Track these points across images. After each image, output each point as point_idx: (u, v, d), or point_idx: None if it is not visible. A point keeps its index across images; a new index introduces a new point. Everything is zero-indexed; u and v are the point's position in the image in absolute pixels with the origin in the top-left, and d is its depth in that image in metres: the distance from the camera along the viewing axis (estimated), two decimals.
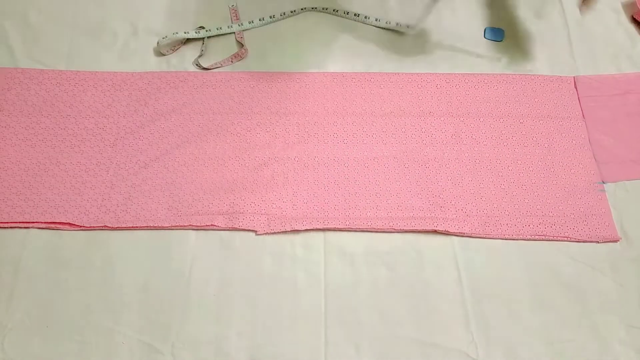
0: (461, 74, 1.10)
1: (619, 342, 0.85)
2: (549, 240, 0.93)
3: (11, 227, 0.91)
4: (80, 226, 0.91)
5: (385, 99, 1.06)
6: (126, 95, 1.04)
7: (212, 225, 0.92)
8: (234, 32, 1.14)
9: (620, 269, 0.91)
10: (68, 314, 0.84)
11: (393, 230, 0.93)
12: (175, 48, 1.11)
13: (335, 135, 1.02)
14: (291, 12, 1.16)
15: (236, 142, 1.00)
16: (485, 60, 1.12)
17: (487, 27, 1.17)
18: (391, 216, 0.94)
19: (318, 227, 0.92)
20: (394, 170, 0.98)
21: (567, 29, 1.17)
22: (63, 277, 0.87)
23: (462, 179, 0.98)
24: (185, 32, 1.10)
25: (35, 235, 0.90)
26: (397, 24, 1.15)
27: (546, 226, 0.94)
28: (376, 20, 1.16)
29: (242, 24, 1.14)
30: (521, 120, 1.05)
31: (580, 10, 0.99)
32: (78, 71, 1.07)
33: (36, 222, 0.91)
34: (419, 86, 1.08)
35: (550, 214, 0.95)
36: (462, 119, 1.04)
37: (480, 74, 1.10)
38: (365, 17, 1.16)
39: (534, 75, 1.10)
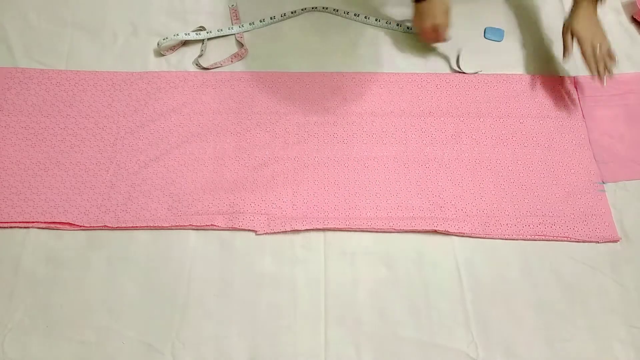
0: (461, 74, 1.10)
1: (619, 342, 0.85)
2: (549, 240, 0.93)
3: (11, 227, 0.91)
4: (80, 226, 0.91)
5: (385, 99, 1.06)
6: (126, 95, 1.04)
7: (212, 225, 0.92)
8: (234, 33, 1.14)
9: (620, 269, 0.91)
10: (68, 314, 0.84)
11: (393, 230, 0.93)
12: (175, 48, 1.11)
13: (335, 135, 1.02)
14: (292, 12, 1.16)
15: (236, 142, 1.00)
16: (485, 60, 1.12)
17: (487, 27, 1.17)
18: (391, 216, 0.94)
19: (318, 227, 0.92)
20: (394, 170, 0.98)
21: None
22: (63, 277, 0.87)
23: (462, 179, 0.98)
24: (185, 34, 1.10)
25: (35, 235, 0.90)
26: (397, 24, 1.15)
27: (546, 226, 0.94)
28: (376, 20, 1.16)
29: (242, 26, 1.14)
30: (521, 120, 1.05)
31: (599, 82, 0.99)
32: (78, 71, 1.07)
33: (36, 222, 0.91)
34: (419, 86, 1.08)
35: (550, 214, 0.95)
36: (462, 119, 1.04)
37: (480, 74, 1.10)
38: (365, 17, 1.16)
39: (533, 75, 1.10)
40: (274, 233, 0.92)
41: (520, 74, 1.10)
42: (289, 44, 1.13)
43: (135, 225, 0.91)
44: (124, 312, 0.85)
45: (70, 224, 0.91)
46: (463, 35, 1.15)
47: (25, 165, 0.96)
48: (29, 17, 1.13)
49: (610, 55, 0.99)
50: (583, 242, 0.93)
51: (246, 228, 0.92)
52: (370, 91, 1.07)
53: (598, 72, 0.98)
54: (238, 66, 1.10)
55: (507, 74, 1.10)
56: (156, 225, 0.91)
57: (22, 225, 0.91)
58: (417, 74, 1.09)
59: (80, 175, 0.96)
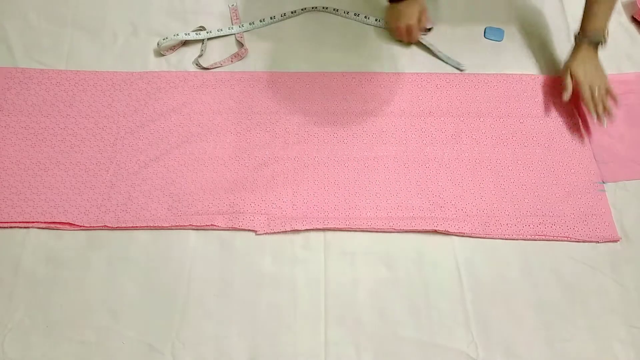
0: (461, 74, 1.10)
1: (619, 342, 0.85)
2: (549, 240, 0.93)
3: (11, 227, 0.91)
4: (80, 226, 0.91)
5: (385, 99, 1.06)
6: (126, 95, 1.04)
7: (212, 225, 0.92)
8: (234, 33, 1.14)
9: (620, 269, 0.91)
10: (68, 314, 0.84)
11: (393, 230, 0.93)
12: (175, 48, 1.11)
13: (335, 135, 1.02)
14: (292, 12, 1.16)
15: (236, 142, 1.00)
16: (485, 60, 1.12)
17: (487, 27, 1.17)
18: (391, 216, 0.94)
19: (318, 227, 0.92)
20: (394, 170, 0.98)
21: (567, 29, 1.17)
22: (63, 277, 0.87)
23: (462, 179, 0.98)
24: (185, 34, 1.10)
25: (35, 235, 0.90)
26: None
27: (546, 226, 0.94)
28: (376, 20, 1.16)
29: (242, 26, 1.14)
30: (521, 120, 1.05)
31: (598, 123, 1.00)
32: (78, 71, 1.07)
33: (36, 222, 0.91)
34: (419, 86, 1.08)
35: (550, 214, 0.95)
36: (462, 119, 1.04)
37: (480, 74, 1.10)
38: (365, 17, 1.16)
39: (534, 75, 1.10)
40: (274, 233, 0.92)
41: (521, 74, 1.10)
42: (289, 44, 1.13)
43: (135, 225, 0.91)
44: (124, 312, 0.85)
45: (70, 224, 0.91)
46: (463, 35, 1.15)
47: (25, 165, 0.96)
48: (29, 17, 1.13)
49: (611, 96, 1.00)
50: (583, 242, 0.93)
51: (246, 228, 0.92)
52: (370, 91, 1.07)
53: (597, 113, 0.99)
54: (238, 66, 1.10)
55: (507, 74, 1.10)
56: (156, 225, 0.91)
57: (22, 225, 0.91)
58: (417, 74, 1.09)
59: (80, 175, 0.96)
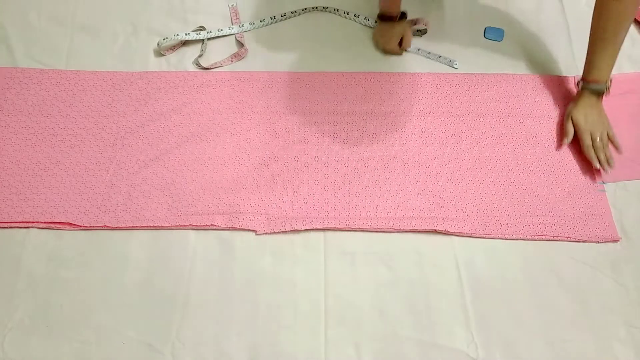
0: (461, 74, 1.10)
1: (619, 342, 0.85)
2: (549, 240, 0.93)
3: (11, 227, 0.91)
4: (80, 226, 0.91)
5: (385, 99, 1.06)
6: (126, 95, 1.04)
7: (212, 225, 0.92)
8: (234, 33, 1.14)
9: (620, 269, 0.91)
10: (68, 314, 0.84)
11: (393, 230, 0.93)
12: (175, 48, 1.11)
13: (335, 135, 1.02)
14: (292, 12, 1.16)
15: (236, 142, 1.00)
16: (485, 61, 1.12)
17: (487, 27, 1.17)
18: (391, 216, 0.94)
19: (318, 227, 0.92)
20: (394, 170, 0.98)
21: (567, 29, 1.17)
22: (63, 277, 0.87)
23: (462, 179, 0.98)
24: (185, 34, 1.10)
25: (35, 235, 0.90)
26: None
27: (546, 226, 0.94)
28: (376, 22, 1.16)
29: (242, 26, 1.14)
30: (521, 120, 1.05)
31: (604, 171, 0.99)
32: (78, 71, 1.07)
33: (36, 222, 0.91)
34: (419, 86, 1.08)
35: (550, 214, 0.95)
36: (462, 119, 1.04)
37: (480, 74, 1.10)
38: (365, 19, 1.16)
39: (534, 75, 1.10)
40: (274, 233, 0.92)
41: (520, 74, 1.10)
42: (289, 44, 1.13)
43: (135, 225, 0.91)
44: (124, 312, 0.85)
45: (70, 224, 0.91)
46: (463, 35, 1.15)
47: (25, 165, 0.96)
48: (29, 17, 1.13)
49: (613, 143, 0.99)
50: (583, 242, 0.93)
51: (246, 228, 0.92)
52: (370, 91, 1.07)
53: (599, 161, 0.98)
54: (238, 66, 1.10)
55: (507, 74, 1.10)
56: (156, 225, 0.91)
57: (22, 225, 0.91)
58: (417, 73, 1.09)
59: (80, 175, 0.96)
